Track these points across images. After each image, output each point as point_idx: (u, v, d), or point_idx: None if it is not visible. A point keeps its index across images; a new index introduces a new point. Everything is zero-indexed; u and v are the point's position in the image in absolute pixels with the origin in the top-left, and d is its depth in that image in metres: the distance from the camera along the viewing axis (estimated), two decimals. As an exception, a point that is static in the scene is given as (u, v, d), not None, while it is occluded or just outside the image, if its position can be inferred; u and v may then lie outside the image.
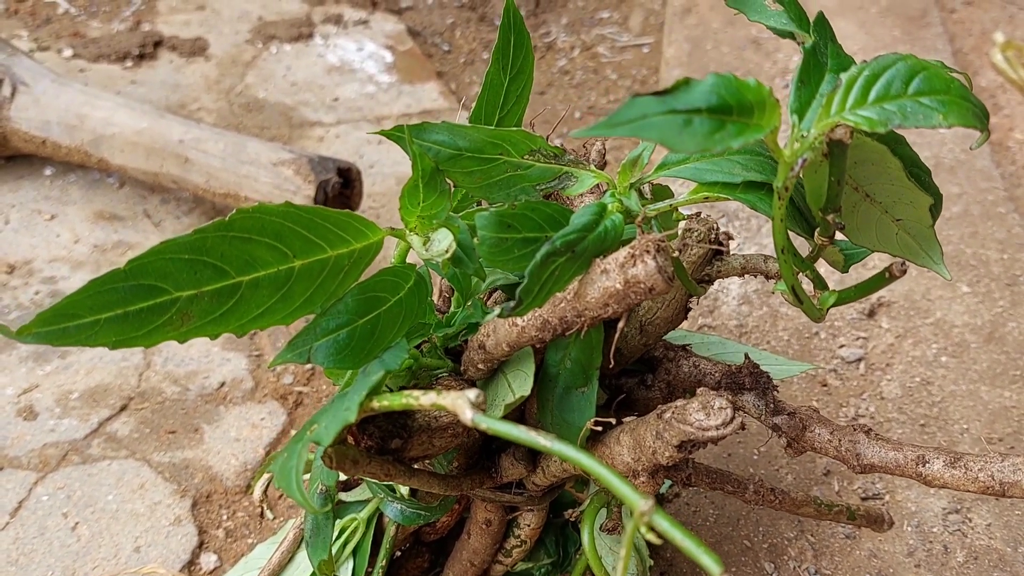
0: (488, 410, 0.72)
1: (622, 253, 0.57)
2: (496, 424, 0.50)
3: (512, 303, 0.57)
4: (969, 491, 0.69)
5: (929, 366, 1.21)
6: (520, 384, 0.68)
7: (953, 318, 1.28)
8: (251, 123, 1.83)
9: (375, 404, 0.57)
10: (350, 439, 0.65)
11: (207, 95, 1.90)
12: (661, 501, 1.06)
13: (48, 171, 1.68)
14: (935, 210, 0.66)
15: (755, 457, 1.10)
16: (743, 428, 0.81)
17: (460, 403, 0.51)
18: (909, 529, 1.01)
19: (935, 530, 1.00)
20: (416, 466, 0.72)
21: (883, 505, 1.03)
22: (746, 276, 1.34)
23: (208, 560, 1.10)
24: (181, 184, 1.52)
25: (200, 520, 1.14)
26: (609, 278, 0.58)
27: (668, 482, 1.08)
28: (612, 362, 0.66)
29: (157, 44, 2.02)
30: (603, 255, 0.57)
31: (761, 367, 0.82)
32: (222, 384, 1.30)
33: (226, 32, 2.08)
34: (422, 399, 0.54)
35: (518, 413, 0.84)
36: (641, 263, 0.56)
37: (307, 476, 0.78)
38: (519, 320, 0.64)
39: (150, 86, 1.90)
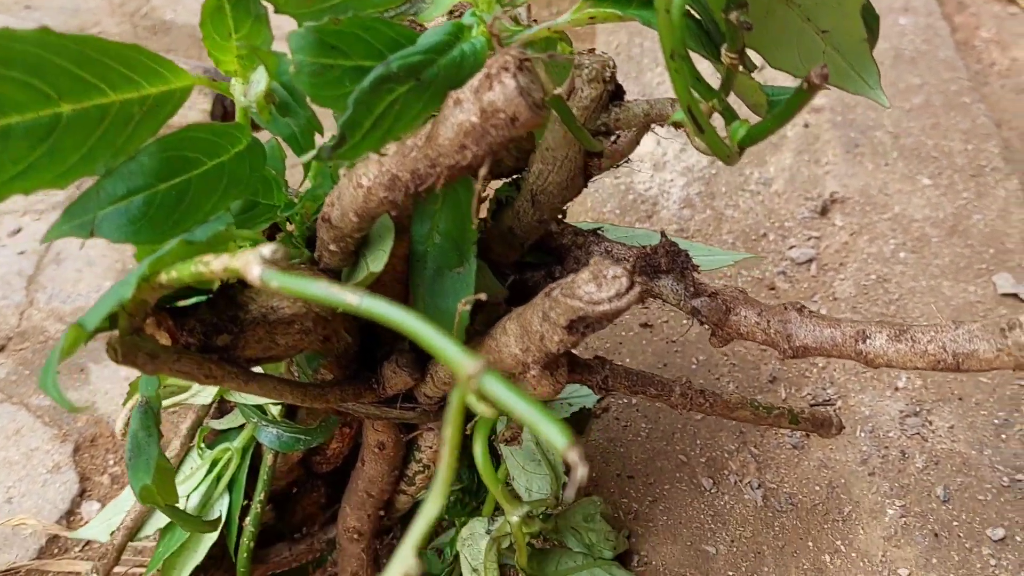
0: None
1: (477, 77, 0.45)
2: (288, 280, 0.38)
3: (332, 143, 0.45)
4: (918, 368, 0.58)
5: (886, 263, 1.10)
6: (375, 260, 0.56)
7: (913, 212, 1.17)
8: (157, 46, 1.68)
9: (163, 277, 0.45)
10: (164, 335, 0.53)
11: (110, 19, 1.74)
12: (588, 417, 0.95)
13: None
14: (871, 22, 0.53)
15: (694, 366, 0.99)
16: (643, 302, 0.70)
17: (248, 259, 0.39)
18: (863, 435, 0.90)
19: (891, 435, 0.90)
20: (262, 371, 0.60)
21: (835, 411, 0.93)
22: (690, 176, 1.23)
23: (90, 509, 0.98)
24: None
25: (83, 466, 1.02)
26: (463, 110, 0.45)
27: (596, 397, 0.97)
28: (475, 221, 0.54)
29: (52, -35, 1.86)
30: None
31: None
32: (112, 319, 1.17)
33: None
34: (213, 264, 0.42)
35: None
36: (498, 84, 0.43)
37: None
38: (364, 179, 0.52)
39: (46, 10, 1.74)
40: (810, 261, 1.12)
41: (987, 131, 1.34)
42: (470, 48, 0.49)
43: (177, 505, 0.69)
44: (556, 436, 0.32)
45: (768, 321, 0.64)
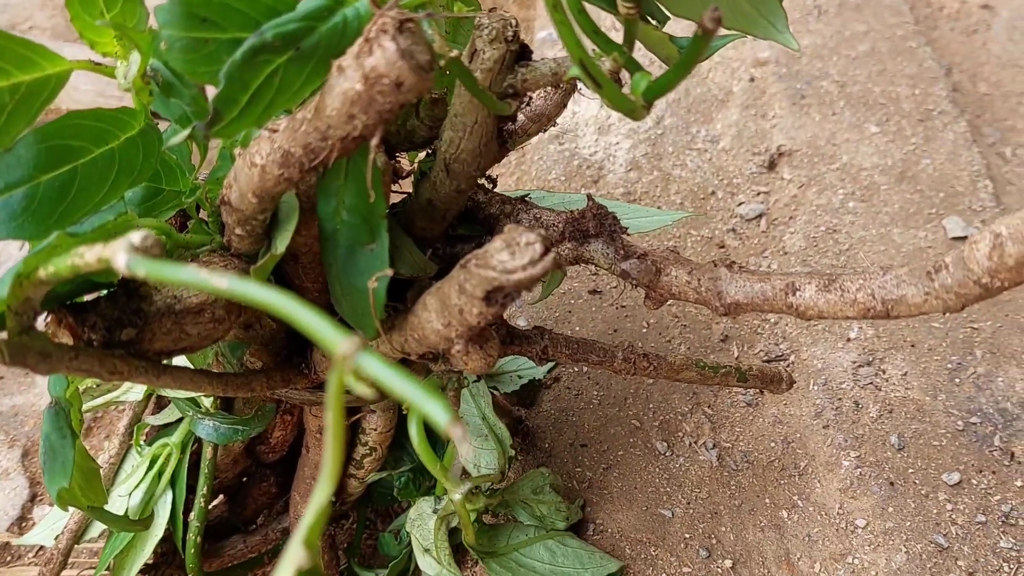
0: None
1: (357, 42, 0.43)
2: (154, 267, 0.36)
3: (206, 120, 0.43)
4: (849, 317, 0.57)
5: (835, 213, 1.09)
6: (279, 241, 0.54)
7: (861, 160, 1.16)
8: (92, 38, 1.64)
9: (42, 273, 0.43)
10: (65, 333, 0.51)
11: (40, 12, 1.69)
12: (539, 387, 0.93)
13: None
14: (773, -36, 0.52)
15: (644, 330, 0.98)
16: (559, 268, 0.68)
17: (113, 247, 0.37)
18: (815, 388, 0.89)
19: (844, 386, 0.89)
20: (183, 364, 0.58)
21: (788, 366, 0.92)
22: (635, 138, 1.21)
23: (42, 513, 0.96)
24: None
25: (32, 471, 1.00)
26: (347, 78, 0.43)
27: (544, 368, 0.96)
28: (374, 194, 0.53)
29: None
30: (346, 56, 0.43)
31: (617, 214, 0.69)
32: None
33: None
34: (87, 255, 0.40)
35: (327, 294, 0.70)
36: (378, 48, 0.41)
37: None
38: (256, 157, 0.50)
39: (-26, 8, 1.69)
40: (759, 217, 1.10)
41: (934, 75, 1.33)
42: (353, 13, 0.46)
43: (102, 506, 0.67)
44: (437, 413, 0.30)
45: (699, 280, 0.63)
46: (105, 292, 0.53)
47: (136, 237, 0.37)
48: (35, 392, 1.07)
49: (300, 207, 0.56)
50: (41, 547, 0.95)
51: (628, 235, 0.68)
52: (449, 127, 0.60)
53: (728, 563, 0.76)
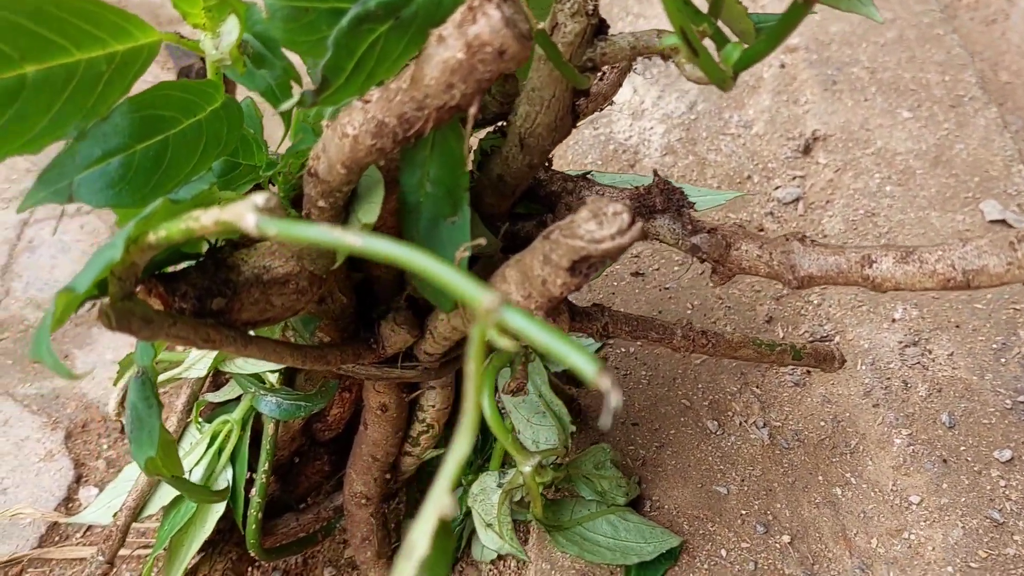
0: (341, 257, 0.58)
1: (459, 11, 0.44)
2: (286, 226, 0.36)
3: (314, 88, 0.43)
4: (927, 288, 0.57)
5: (873, 197, 1.09)
6: (366, 213, 0.54)
7: (895, 145, 1.17)
8: (116, 26, 1.64)
9: (151, 237, 0.43)
10: (156, 302, 0.51)
11: None
12: (587, 368, 0.94)
13: None
14: (861, -65, 0.52)
15: (689, 311, 0.98)
16: (646, 238, 0.69)
17: (241, 208, 0.37)
18: (863, 368, 0.90)
19: (892, 366, 0.90)
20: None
21: (836, 345, 0.92)
22: (669, 123, 1.21)
23: (88, 494, 0.97)
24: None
25: (76, 452, 1.00)
26: (447, 47, 0.44)
27: (595, 347, 0.96)
28: (467, 166, 0.53)
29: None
30: (443, 25, 0.44)
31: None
32: (93, 304, 1.15)
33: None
34: (203, 218, 0.40)
35: (397, 269, 0.71)
36: (483, 16, 0.41)
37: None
38: (349, 127, 0.50)
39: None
40: (797, 200, 1.11)
41: (962, 61, 1.33)
42: (449, -16, 0.47)
43: (184, 476, 0.67)
44: (585, 363, 0.30)
45: (771, 253, 0.64)
46: (193, 263, 0.53)
47: (260, 198, 0.37)
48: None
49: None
50: (89, 528, 0.95)
51: (695, 211, 0.68)
52: (525, 101, 0.60)
53: (786, 538, 0.77)
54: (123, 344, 1.10)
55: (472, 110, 0.48)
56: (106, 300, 0.46)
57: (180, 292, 0.52)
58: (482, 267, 0.72)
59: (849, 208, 1.08)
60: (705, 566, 0.75)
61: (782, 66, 1.32)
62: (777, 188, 1.13)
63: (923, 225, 1.05)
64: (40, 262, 1.19)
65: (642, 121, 1.22)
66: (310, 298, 0.58)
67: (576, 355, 0.31)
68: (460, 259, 0.56)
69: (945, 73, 1.30)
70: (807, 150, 1.17)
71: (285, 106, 0.48)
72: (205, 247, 0.55)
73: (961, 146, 1.17)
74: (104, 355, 1.09)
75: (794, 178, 1.14)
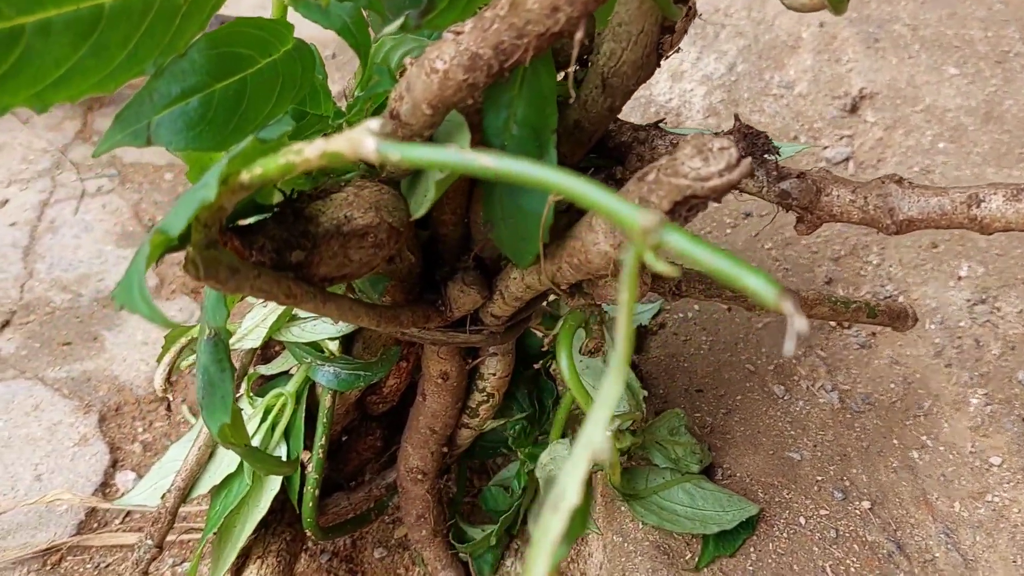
0: (413, 210, 0.55)
1: (569, -75, 0.40)
2: (408, 150, 0.33)
3: (419, 9, 0.40)
4: (1045, 227, 0.54)
5: (926, 154, 1.06)
6: (451, 157, 0.50)
7: (945, 102, 1.13)
8: None
9: (245, 176, 0.39)
10: (227, 253, 0.47)
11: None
12: (645, 334, 0.91)
13: None
14: None
15: (746, 274, 0.94)
16: (753, 176, 0.65)
17: (358, 135, 0.34)
18: (932, 327, 0.87)
19: (962, 324, 0.87)
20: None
21: (908, 304, 0.89)
22: (710, 84, 1.18)
23: (125, 479, 0.93)
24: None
25: (111, 436, 0.96)
26: (555, -36, 0.40)
27: (649, 314, 0.93)
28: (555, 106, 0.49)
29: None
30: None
31: (753, 137, 0.66)
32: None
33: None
34: (307, 151, 0.37)
35: (463, 227, 0.67)
36: (597, -73, 0.38)
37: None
38: (438, 63, 0.47)
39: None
40: (846, 160, 1.07)
41: (1004, 17, 1.29)
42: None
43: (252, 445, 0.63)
44: (762, 286, 0.27)
45: (865, 197, 0.60)
46: (269, 215, 0.49)
47: (374, 124, 0.34)
48: (105, 357, 1.03)
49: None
50: (128, 513, 0.92)
51: (780, 156, 0.65)
52: (610, 38, 0.57)
53: (866, 504, 0.73)
54: (152, 326, 1.06)
55: (578, 35, 0.44)
56: (191, 249, 0.42)
57: (258, 245, 0.49)
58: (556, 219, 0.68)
59: (903, 166, 1.05)
60: (784, 534, 0.71)
61: (821, 25, 1.28)
62: (826, 148, 1.09)
63: (980, 180, 1.02)
64: (63, 242, 1.16)
65: (682, 83, 1.18)
66: (386, 253, 0.55)
67: (751, 277, 0.27)
68: (551, 205, 0.53)
69: (988, 29, 1.26)
70: (854, 109, 1.14)
71: (388, 29, 0.44)
72: (277, 199, 0.51)
73: (1011, 102, 1.14)
74: (134, 336, 1.05)
75: (842, 137, 1.10)
